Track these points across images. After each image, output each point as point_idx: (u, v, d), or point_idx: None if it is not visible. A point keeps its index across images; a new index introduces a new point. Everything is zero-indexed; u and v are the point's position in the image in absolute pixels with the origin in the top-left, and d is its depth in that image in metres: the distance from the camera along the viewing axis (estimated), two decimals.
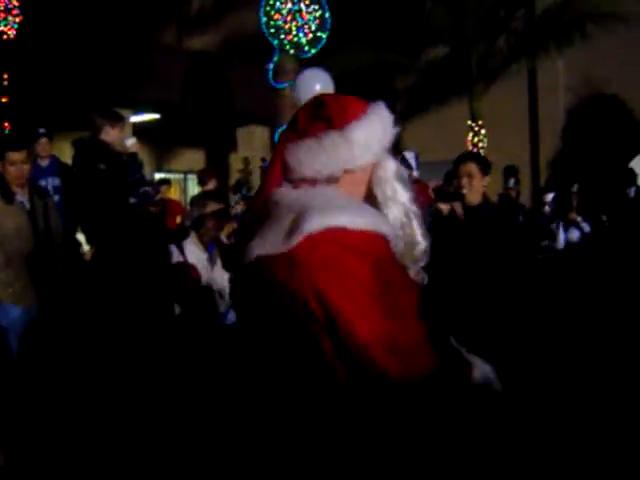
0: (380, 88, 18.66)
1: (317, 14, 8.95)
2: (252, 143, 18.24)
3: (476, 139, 15.33)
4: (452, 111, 16.80)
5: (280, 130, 8.96)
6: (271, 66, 9.04)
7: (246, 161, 17.95)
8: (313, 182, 2.06)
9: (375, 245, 1.92)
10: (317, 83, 8.24)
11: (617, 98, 16.53)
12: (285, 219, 1.95)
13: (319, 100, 2.14)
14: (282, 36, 8.80)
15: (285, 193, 2.05)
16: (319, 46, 9.05)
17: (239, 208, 11.11)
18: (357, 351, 1.85)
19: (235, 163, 18.76)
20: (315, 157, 2.04)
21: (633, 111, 16.45)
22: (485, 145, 15.40)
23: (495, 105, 15.74)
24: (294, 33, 8.73)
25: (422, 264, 2.18)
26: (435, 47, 16.30)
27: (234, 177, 17.75)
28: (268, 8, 8.86)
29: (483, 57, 15.20)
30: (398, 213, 2.13)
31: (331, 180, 2.06)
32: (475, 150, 15.27)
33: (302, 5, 8.89)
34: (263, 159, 17.07)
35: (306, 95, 8.28)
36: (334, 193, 2.04)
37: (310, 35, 8.88)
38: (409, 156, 7.70)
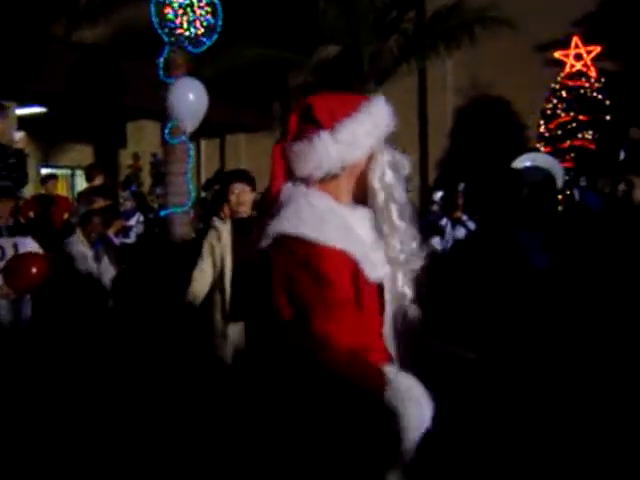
0: (272, 85, 18.69)
1: (209, 9, 8.83)
2: (142, 138, 17.97)
3: None
4: None
5: (169, 125, 8.86)
6: (162, 60, 8.87)
7: (136, 156, 17.68)
8: (312, 180, 2.15)
9: (323, 259, 2.00)
10: (190, 92, 8.21)
11: (502, 100, 17.04)
12: (271, 218, 2.09)
13: (307, 103, 2.20)
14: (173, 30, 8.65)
15: (283, 191, 2.16)
16: (210, 41, 8.93)
17: (128, 204, 10.88)
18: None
19: (124, 159, 18.44)
20: (308, 159, 2.13)
21: (517, 113, 16.99)
22: None
23: None
24: (185, 27, 8.61)
25: (413, 259, 2.21)
26: (327, 45, 16.41)
27: (123, 173, 17.47)
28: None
29: (374, 56, 15.38)
30: (380, 199, 2.17)
31: (328, 177, 2.14)
32: None
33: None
34: (153, 154, 16.88)
35: (179, 105, 8.21)
36: (313, 198, 2.11)
37: (201, 30, 8.76)
38: None
